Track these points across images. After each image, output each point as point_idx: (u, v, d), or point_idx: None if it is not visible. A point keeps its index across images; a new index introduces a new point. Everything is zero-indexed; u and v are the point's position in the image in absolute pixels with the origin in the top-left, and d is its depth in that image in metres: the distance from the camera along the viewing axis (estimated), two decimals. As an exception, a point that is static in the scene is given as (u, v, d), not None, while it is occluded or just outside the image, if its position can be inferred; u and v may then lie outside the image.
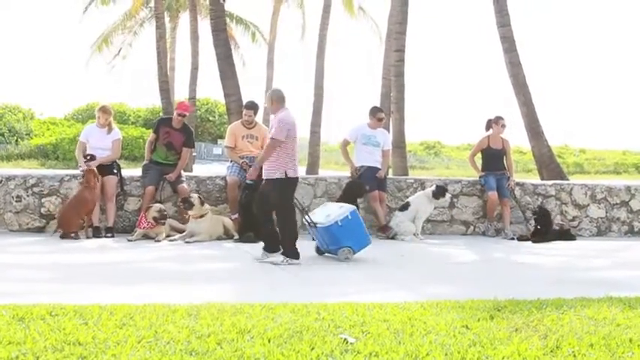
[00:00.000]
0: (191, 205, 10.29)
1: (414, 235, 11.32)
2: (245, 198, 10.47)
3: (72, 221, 10.24)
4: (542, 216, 11.87)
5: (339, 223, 8.82)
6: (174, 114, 11.42)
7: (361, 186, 11.26)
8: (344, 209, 9.08)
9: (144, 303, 5.48)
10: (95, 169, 10.58)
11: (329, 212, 9.16)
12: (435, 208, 11.91)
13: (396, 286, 7.12)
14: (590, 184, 13.48)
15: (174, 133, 11.24)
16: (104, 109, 11.24)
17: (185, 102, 11.78)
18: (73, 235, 10.21)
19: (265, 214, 8.77)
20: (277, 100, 8.74)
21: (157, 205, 10.46)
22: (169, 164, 11.17)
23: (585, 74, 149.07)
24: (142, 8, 40.66)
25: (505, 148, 12.38)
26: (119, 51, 42.18)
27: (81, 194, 10.35)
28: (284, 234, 8.56)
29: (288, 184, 8.57)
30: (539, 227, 11.77)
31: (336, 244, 8.86)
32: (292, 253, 8.47)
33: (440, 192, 11.55)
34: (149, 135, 11.74)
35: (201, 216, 10.34)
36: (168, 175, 11.02)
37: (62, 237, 10.14)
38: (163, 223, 10.41)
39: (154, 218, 10.36)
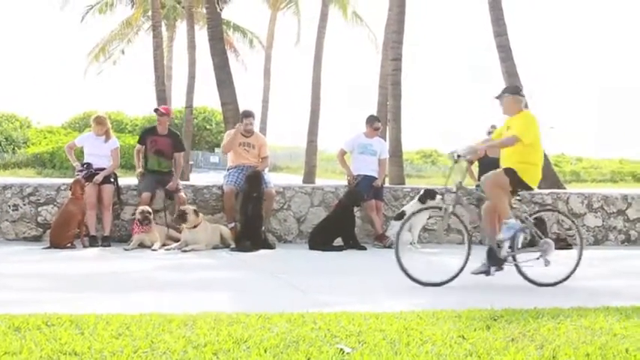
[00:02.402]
0: (185, 219, 10.32)
1: (411, 244, 11.31)
2: (252, 210, 10.50)
3: (62, 236, 10.17)
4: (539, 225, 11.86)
5: None
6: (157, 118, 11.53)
7: (359, 195, 11.27)
8: None
9: (140, 312, 5.47)
10: (82, 179, 10.55)
11: None
12: (430, 217, 11.91)
13: (392, 295, 7.11)
14: (587, 192, 13.49)
15: (160, 140, 11.26)
16: (98, 120, 11.25)
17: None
18: (69, 245, 10.19)
19: None
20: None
21: (141, 207, 10.48)
22: (164, 172, 11.18)
23: (581, 83, 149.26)
24: (139, 17, 40.77)
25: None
26: (110, 56, 42.24)
27: (66, 208, 10.27)
28: None
29: None
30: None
31: None
32: None
33: (427, 195, 11.50)
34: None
35: (195, 226, 10.34)
36: (169, 185, 11.02)
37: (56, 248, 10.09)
38: (147, 224, 10.37)
39: (138, 220, 10.39)
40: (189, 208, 10.48)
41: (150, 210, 10.44)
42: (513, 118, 8.26)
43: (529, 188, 8.24)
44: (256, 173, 10.91)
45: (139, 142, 11.46)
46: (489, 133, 12.45)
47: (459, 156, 7.99)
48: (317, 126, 30.04)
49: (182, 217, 10.35)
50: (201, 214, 10.53)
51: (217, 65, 18.23)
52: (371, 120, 12.10)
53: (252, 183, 10.76)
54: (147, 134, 11.46)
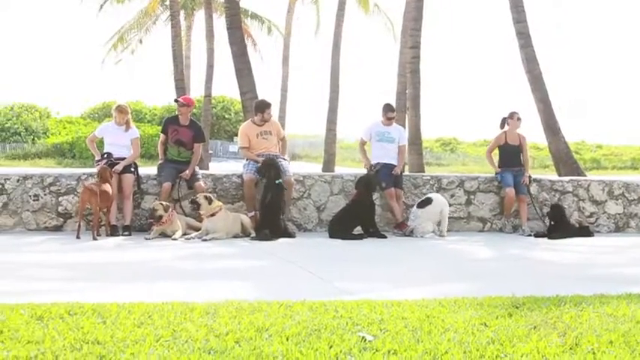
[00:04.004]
0: (198, 206, 10.35)
1: (433, 232, 11.25)
2: (272, 197, 10.49)
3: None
4: (556, 212, 11.79)
5: None
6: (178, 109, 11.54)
7: (374, 179, 11.22)
8: None
9: (162, 301, 5.48)
10: (108, 167, 10.60)
11: None
12: (450, 205, 11.88)
13: (414, 283, 7.09)
14: (608, 180, 13.39)
15: (182, 130, 11.29)
16: (120, 109, 11.28)
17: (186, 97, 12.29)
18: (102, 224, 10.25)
19: None
20: None
21: (155, 203, 10.49)
22: (183, 161, 11.20)
23: (602, 70, 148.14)
24: (157, 6, 40.77)
25: (522, 144, 12.30)
26: (127, 46, 42.26)
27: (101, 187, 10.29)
28: None
29: None
30: (552, 223, 11.71)
31: None
32: None
33: (425, 201, 11.47)
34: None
35: (213, 214, 10.34)
36: (183, 174, 11.03)
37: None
38: (158, 220, 10.34)
39: (150, 216, 10.41)
40: (201, 195, 10.47)
41: (158, 207, 10.36)
42: None
43: None
44: (270, 160, 10.89)
45: (162, 131, 11.49)
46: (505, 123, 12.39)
47: None
48: (336, 114, 30.01)
49: (194, 203, 10.41)
50: (216, 202, 10.52)
51: (236, 54, 18.22)
52: (384, 109, 12.08)
53: (265, 169, 10.73)
54: (169, 123, 11.47)
